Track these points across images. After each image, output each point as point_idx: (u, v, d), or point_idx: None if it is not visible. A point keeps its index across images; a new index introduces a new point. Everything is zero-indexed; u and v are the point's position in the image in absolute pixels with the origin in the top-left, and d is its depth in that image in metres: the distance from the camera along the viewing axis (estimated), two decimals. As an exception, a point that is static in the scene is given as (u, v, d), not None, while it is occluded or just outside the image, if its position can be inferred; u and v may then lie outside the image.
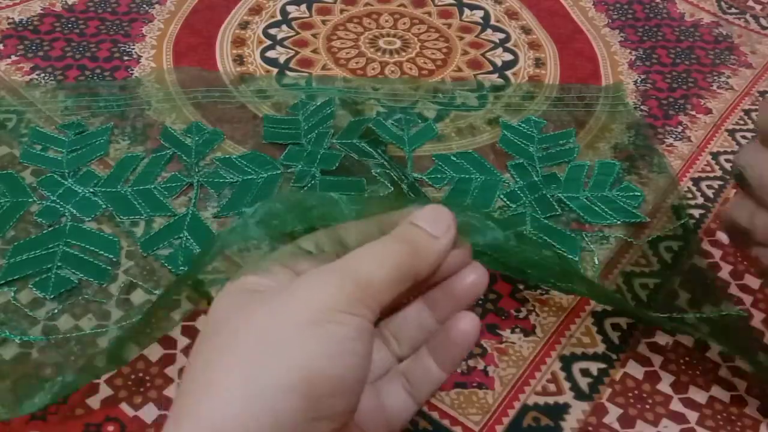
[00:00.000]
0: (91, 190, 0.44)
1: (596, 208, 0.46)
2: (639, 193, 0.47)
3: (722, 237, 0.46)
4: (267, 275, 0.26)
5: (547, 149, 0.51)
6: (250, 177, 0.46)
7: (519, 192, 0.47)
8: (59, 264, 0.40)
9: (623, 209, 0.46)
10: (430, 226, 0.27)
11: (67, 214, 0.43)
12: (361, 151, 0.48)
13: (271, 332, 0.23)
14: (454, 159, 0.49)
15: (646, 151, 0.51)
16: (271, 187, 0.46)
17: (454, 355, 0.29)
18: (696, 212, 0.47)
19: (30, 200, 0.43)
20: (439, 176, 0.48)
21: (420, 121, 0.52)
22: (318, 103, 0.52)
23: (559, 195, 0.47)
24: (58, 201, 0.43)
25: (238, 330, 0.24)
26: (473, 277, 0.29)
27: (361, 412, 0.27)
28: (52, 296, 0.38)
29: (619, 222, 0.45)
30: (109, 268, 0.40)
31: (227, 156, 0.48)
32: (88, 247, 0.41)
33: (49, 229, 0.42)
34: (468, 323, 0.29)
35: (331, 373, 0.23)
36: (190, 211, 0.44)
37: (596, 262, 0.43)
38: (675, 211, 0.47)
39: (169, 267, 0.41)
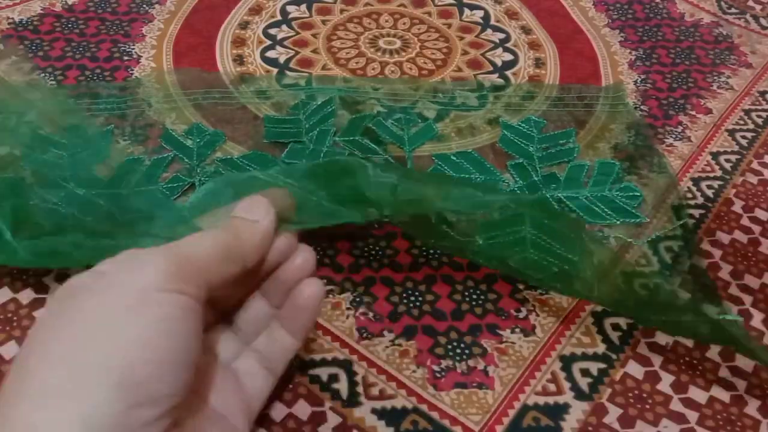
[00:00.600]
0: (93, 192, 0.44)
1: (596, 208, 0.46)
2: (638, 193, 0.47)
3: (722, 237, 0.46)
4: (96, 275, 0.25)
5: (547, 149, 0.51)
6: None
7: (519, 192, 0.47)
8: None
9: (623, 209, 0.46)
10: (248, 214, 0.29)
11: (69, 217, 0.43)
12: (364, 148, 0.48)
13: (87, 323, 0.23)
14: (454, 159, 0.49)
15: (646, 151, 0.51)
16: (273, 185, 0.45)
17: (304, 321, 0.31)
18: (696, 212, 0.47)
19: (31, 203, 0.43)
20: None
21: (420, 120, 0.52)
22: (319, 102, 0.52)
23: (559, 195, 0.47)
24: (59, 204, 0.43)
25: (56, 328, 0.23)
26: (300, 260, 0.31)
27: (219, 395, 0.28)
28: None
29: (618, 222, 0.45)
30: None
31: (228, 156, 0.48)
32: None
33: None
34: (312, 287, 0.31)
35: (148, 358, 0.22)
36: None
37: (595, 263, 0.43)
38: (675, 211, 0.47)
39: None
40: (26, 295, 0.39)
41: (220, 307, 0.32)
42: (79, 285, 0.25)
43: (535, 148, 0.50)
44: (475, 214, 0.38)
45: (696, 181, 0.49)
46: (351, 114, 0.52)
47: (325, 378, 0.36)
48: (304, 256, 0.31)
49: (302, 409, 0.35)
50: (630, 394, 0.37)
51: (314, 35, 0.61)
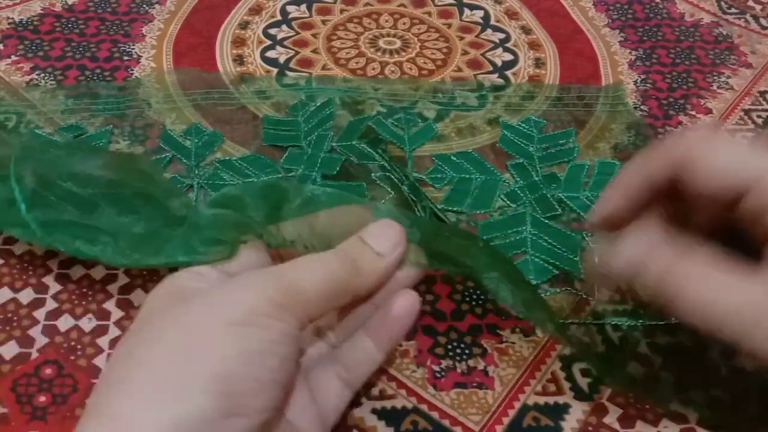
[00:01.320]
0: (90, 191, 0.44)
1: None
2: None
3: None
4: (196, 276, 0.27)
5: (547, 149, 0.51)
6: (250, 180, 0.46)
7: (519, 192, 0.47)
8: None
9: None
10: (378, 242, 0.27)
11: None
12: (361, 153, 0.48)
13: (194, 331, 0.24)
14: (454, 159, 0.49)
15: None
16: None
17: (393, 333, 0.29)
18: None
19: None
20: (439, 176, 0.48)
21: (420, 120, 0.52)
22: (317, 104, 0.52)
23: (560, 195, 0.47)
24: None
25: (163, 328, 0.24)
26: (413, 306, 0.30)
27: (295, 407, 0.27)
28: None
29: None
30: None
31: (227, 158, 0.48)
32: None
33: None
34: (408, 298, 0.29)
35: (246, 374, 0.23)
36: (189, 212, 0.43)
37: (596, 261, 0.43)
38: None
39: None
40: (26, 295, 0.39)
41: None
42: (184, 287, 0.26)
43: (535, 148, 0.50)
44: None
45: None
46: (351, 113, 0.52)
47: (325, 378, 0.36)
48: (416, 300, 0.30)
49: (302, 409, 0.35)
50: (630, 394, 0.37)
51: (314, 35, 0.61)
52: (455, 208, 0.45)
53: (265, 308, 0.24)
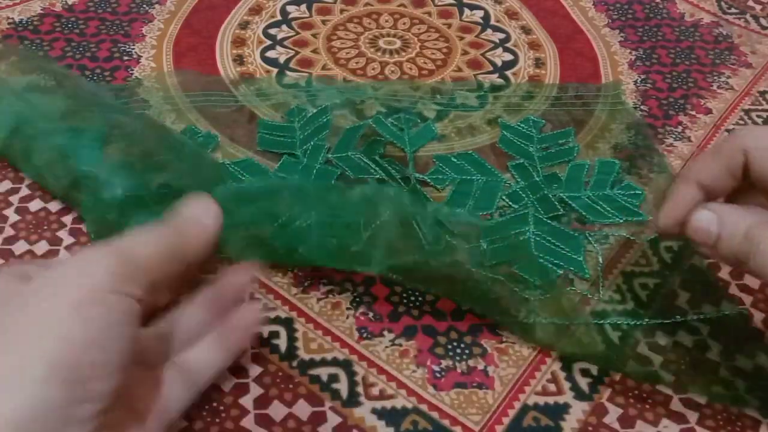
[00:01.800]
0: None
1: (598, 207, 0.46)
2: (640, 192, 0.47)
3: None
4: (40, 264, 0.27)
5: (547, 149, 0.51)
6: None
7: (521, 192, 0.47)
8: None
9: (625, 208, 0.46)
10: (195, 213, 0.29)
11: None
12: (357, 167, 0.47)
13: (35, 316, 0.23)
14: (455, 160, 0.49)
15: (646, 151, 0.51)
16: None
17: (239, 342, 0.32)
18: (675, 244, 0.47)
19: None
20: (440, 177, 0.48)
21: (419, 121, 0.52)
22: (314, 111, 0.52)
23: (561, 194, 0.47)
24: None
25: (3, 315, 0.24)
26: (242, 279, 0.33)
27: (139, 394, 0.28)
28: None
29: (621, 220, 0.45)
30: None
31: (221, 162, 0.47)
32: None
33: None
34: (253, 313, 0.32)
35: (92, 359, 0.23)
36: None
37: (600, 262, 0.43)
38: None
39: None
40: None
41: (152, 305, 0.31)
42: (25, 272, 0.25)
43: (535, 148, 0.50)
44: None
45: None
46: (351, 113, 0.52)
47: (325, 378, 0.36)
48: (248, 276, 0.33)
49: (302, 409, 0.35)
50: (630, 394, 0.37)
51: (314, 35, 0.61)
52: (457, 210, 0.45)
53: (109, 283, 0.24)
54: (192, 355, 0.31)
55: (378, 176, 0.46)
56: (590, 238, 0.44)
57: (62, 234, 0.42)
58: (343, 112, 0.52)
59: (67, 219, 0.43)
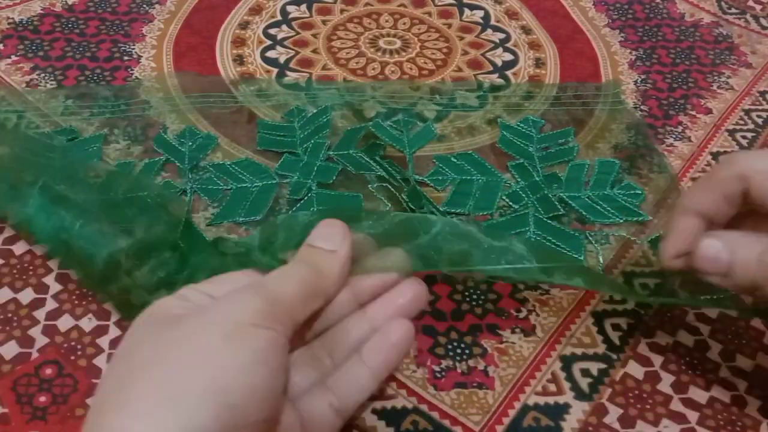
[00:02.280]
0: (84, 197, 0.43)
1: (599, 207, 0.46)
2: (640, 191, 0.47)
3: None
4: (181, 299, 0.28)
5: (547, 149, 0.51)
6: (244, 185, 0.46)
7: (521, 192, 0.47)
8: None
9: (626, 207, 0.46)
10: (325, 242, 0.29)
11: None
12: (358, 163, 0.47)
13: (187, 348, 0.24)
14: (455, 160, 0.49)
15: (646, 151, 0.51)
16: (267, 196, 0.45)
17: (390, 359, 0.30)
18: None
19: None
20: (440, 178, 0.48)
21: (419, 122, 0.52)
22: (314, 111, 0.52)
23: (561, 194, 0.47)
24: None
25: (157, 347, 0.25)
26: (411, 294, 0.31)
27: (281, 430, 0.27)
28: None
29: (622, 220, 0.45)
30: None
31: (221, 162, 0.47)
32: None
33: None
34: (403, 328, 0.30)
35: (244, 383, 0.24)
36: (183, 218, 0.42)
37: (600, 262, 0.43)
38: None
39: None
40: (26, 295, 0.39)
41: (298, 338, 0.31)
42: (171, 310, 0.27)
43: (534, 148, 0.50)
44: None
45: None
46: (352, 113, 0.52)
47: (325, 378, 0.36)
48: (415, 289, 0.32)
49: (302, 409, 0.35)
50: (630, 394, 0.37)
51: (314, 35, 0.61)
52: (458, 210, 0.45)
53: (255, 318, 0.25)
54: (343, 378, 0.30)
55: (379, 173, 0.46)
56: (590, 238, 0.44)
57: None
58: (343, 113, 0.52)
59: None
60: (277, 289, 0.27)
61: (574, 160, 0.50)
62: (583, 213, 0.46)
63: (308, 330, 0.31)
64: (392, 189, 0.45)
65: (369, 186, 0.46)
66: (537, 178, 0.48)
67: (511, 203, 0.46)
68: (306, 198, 0.45)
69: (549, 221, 0.45)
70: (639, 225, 0.45)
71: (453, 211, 0.45)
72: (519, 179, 0.48)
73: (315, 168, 0.47)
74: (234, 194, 0.45)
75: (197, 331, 0.25)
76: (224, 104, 0.52)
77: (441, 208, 0.45)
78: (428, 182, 0.47)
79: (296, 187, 0.46)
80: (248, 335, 0.25)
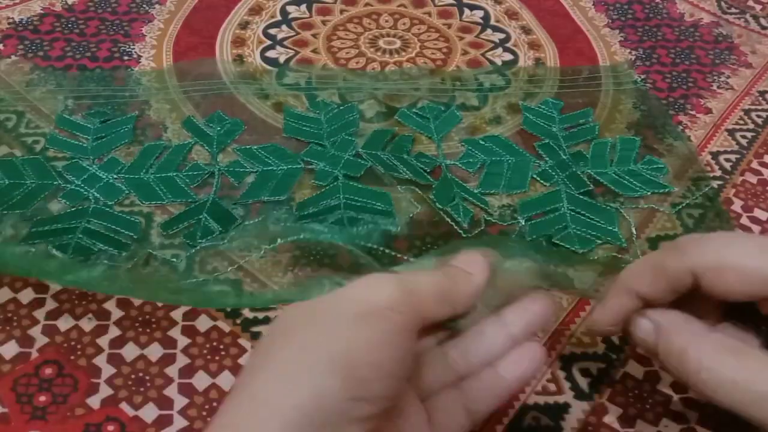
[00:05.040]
0: (115, 176, 0.45)
1: (626, 182, 0.48)
2: (662, 165, 0.49)
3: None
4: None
5: (570, 128, 0.52)
6: (270, 168, 0.47)
7: (551, 171, 0.48)
8: (80, 236, 0.41)
9: (650, 181, 0.48)
10: (466, 266, 0.32)
11: (91, 197, 0.44)
12: (386, 164, 0.48)
13: (323, 324, 0.27)
14: (483, 143, 0.50)
15: (660, 124, 0.53)
16: (291, 180, 0.46)
17: (524, 375, 0.32)
18: (695, 212, 0.47)
19: (55, 183, 0.45)
20: (470, 160, 0.49)
21: (443, 108, 0.53)
22: (341, 107, 0.52)
23: (589, 171, 0.48)
24: (82, 185, 0.45)
25: (295, 326, 0.27)
26: (542, 301, 0.33)
27: (407, 424, 0.29)
28: (71, 256, 0.40)
29: (649, 193, 0.47)
30: (129, 242, 0.41)
31: (248, 146, 0.48)
32: (110, 225, 0.42)
33: (73, 209, 0.43)
34: (535, 349, 0.32)
35: (369, 360, 0.26)
36: (211, 198, 0.44)
37: (633, 231, 0.45)
38: (695, 183, 0.49)
39: (187, 241, 0.42)
40: (26, 295, 0.39)
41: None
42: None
43: (558, 128, 0.52)
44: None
45: (696, 181, 0.49)
46: (380, 104, 0.53)
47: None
48: (545, 301, 0.33)
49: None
50: (630, 394, 0.37)
51: (314, 35, 0.61)
52: (492, 191, 0.47)
53: (387, 302, 0.27)
54: (479, 381, 0.32)
55: (406, 176, 0.47)
56: (621, 209, 0.46)
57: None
58: (372, 102, 0.53)
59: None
60: (414, 281, 0.29)
61: (597, 138, 0.51)
62: (612, 187, 0.47)
63: (440, 332, 0.32)
64: (419, 191, 0.46)
65: (399, 188, 0.46)
66: (564, 157, 0.49)
67: (542, 181, 0.48)
68: (331, 186, 0.46)
69: (581, 197, 0.46)
70: (664, 195, 0.47)
71: (488, 191, 0.47)
72: (547, 158, 0.49)
73: (342, 161, 0.48)
74: (259, 176, 0.46)
75: (331, 310, 0.27)
76: (220, 92, 0.52)
77: (475, 191, 0.46)
78: (460, 166, 0.48)
79: (321, 173, 0.46)
80: (380, 317, 0.27)
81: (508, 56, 0.60)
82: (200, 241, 0.42)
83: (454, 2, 0.66)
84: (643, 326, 0.32)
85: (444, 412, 0.31)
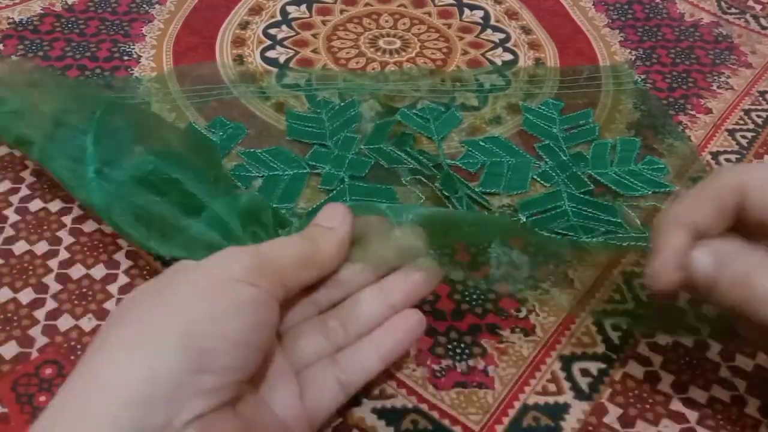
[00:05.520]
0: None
1: (626, 182, 0.48)
2: (663, 165, 0.49)
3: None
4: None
5: (570, 129, 0.52)
6: (275, 173, 0.46)
7: (551, 171, 0.48)
8: None
9: (652, 181, 0.48)
10: (326, 221, 0.31)
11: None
12: (390, 157, 0.48)
13: (168, 297, 0.26)
14: (483, 144, 0.50)
15: (660, 124, 0.53)
16: (299, 185, 0.46)
17: (395, 349, 0.32)
18: None
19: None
20: (471, 161, 0.49)
21: (443, 109, 0.53)
22: (341, 104, 0.52)
23: (589, 172, 0.48)
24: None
25: (143, 301, 0.27)
26: (418, 281, 0.33)
27: (279, 398, 0.29)
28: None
29: (650, 192, 0.47)
30: None
31: (252, 150, 0.48)
32: None
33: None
34: (414, 316, 0.32)
35: (215, 331, 0.25)
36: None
37: (639, 224, 0.45)
38: (695, 183, 0.48)
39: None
40: (26, 295, 0.39)
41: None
42: (180, 268, 0.28)
43: (558, 129, 0.52)
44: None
45: (696, 181, 0.49)
46: (380, 103, 0.53)
47: (325, 378, 0.36)
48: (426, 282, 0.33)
49: (302, 409, 0.35)
50: (630, 394, 0.37)
51: (314, 35, 0.61)
52: (492, 190, 0.47)
53: (239, 275, 0.27)
54: (352, 355, 0.32)
55: (411, 166, 0.47)
56: (624, 206, 0.46)
57: (62, 234, 0.42)
58: (373, 102, 0.53)
59: (67, 219, 0.43)
60: (270, 252, 0.29)
61: (597, 139, 0.51)
62: (613, 187, 0.47)
63: (307, 298, 0.32)
64: (425, 180, 0.46)
65: (402, 179, 0.47)
66: (564, 158, 0.49)
67: (543, 182, 0.48)
68: (338, 189, 0.46)
69: (581, 195, 0.46)
70: (665, 195, 0.47)
71: (488, 191, 0.47)
72: (547, 159, 0.49)
73: (347, 161, 0.48)
74: (266, 181, 0.46)
75: (179, 283, 0.27)
76: (221, 97, 0.52)
77: (476, 189, 0.46)
78: (461, 165, 0.48)
79: (328, 178, 0.46)
80: (228, 289, 0.26)
81: (508, 56, 0.60)
82: None
83: (454, 2, 0.66)
84: (702, 260, 0.29)
85: (316, 383, 0.30)
